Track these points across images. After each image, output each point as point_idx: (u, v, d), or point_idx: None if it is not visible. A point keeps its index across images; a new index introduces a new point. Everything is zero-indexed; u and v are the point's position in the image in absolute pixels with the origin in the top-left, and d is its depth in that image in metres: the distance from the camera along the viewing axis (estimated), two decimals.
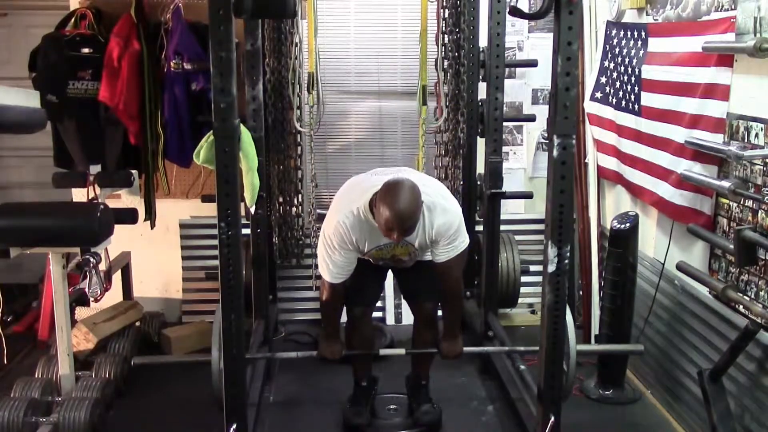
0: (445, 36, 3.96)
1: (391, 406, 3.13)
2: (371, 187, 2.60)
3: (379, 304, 4.01)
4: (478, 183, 3.81)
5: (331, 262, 2.70)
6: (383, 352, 3.02)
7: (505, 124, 3.66)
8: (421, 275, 2.90)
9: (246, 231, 3.12)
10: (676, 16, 3.09)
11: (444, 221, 2.65)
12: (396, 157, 4.29)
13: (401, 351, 2.97)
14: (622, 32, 3.52)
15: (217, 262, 2.33)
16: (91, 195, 3.44)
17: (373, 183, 2.60)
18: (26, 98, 3.14)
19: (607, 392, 3.31)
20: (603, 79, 3.72)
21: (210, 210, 2.66)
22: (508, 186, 3.64)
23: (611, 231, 3.25)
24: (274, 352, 3.61)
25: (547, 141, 2.55)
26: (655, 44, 3.21)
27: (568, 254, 2.36)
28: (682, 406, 3.02)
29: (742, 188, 2.56)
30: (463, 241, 2.73)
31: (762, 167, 2.52)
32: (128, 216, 3.41)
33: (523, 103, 4.28)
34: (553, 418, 2.46)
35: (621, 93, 3.51)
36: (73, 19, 3.68)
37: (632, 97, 3.39)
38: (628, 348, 3.17)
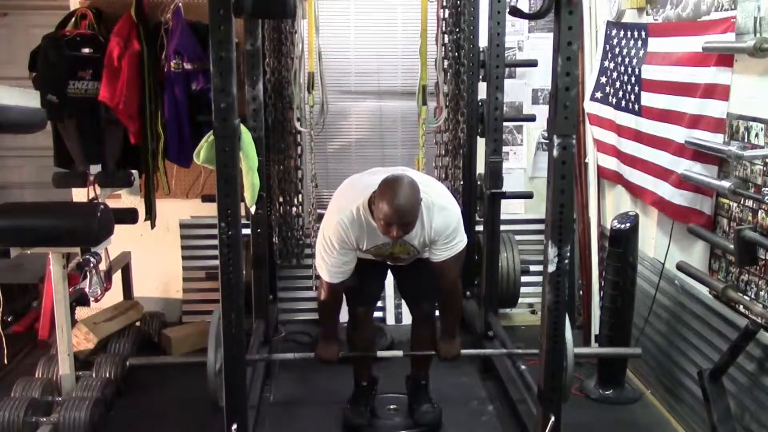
0: (445, 36, 3.95)
1: (391, 406, 3.13)
2: (369, 185, 2.59)
3: (379, 304, 4.02)
4: (478, 183, 3.81)
5: (330, 261, 2.69)
6: (381, 354, 3.00)
7: (505, 124, 3.66)
8: (420, 275, 2.90)
9: (246, 231, 3.12)
10: (676, 16, 3.09)
11: (442, 220, 2.65)
12: (396, 156, 4.28)
13: (399, 353, 2.95)
14: (622, 32, 3.52)
15: (217, 262, 2.33)
16: (91, 195, 3.44)
17: (372, 182, 2.59)
18: (26, 98, 3.14)
19: (607, 392, 3.31)
20: (603, 79, 3.72)
21: (210, 210, 2.66)
22: (508, 186, 3.64)
23: (611, 231, 3.25)
24: (274, 352, 3.61)
25: (547, 141, 2.55)
26: (655, 44, 3.21)
27: (568, 254, 2.37)
28: (682, 406, 3.02)
29: (742, 188, 2.56)
30: (461, 240, 2.72)
31: (762, 167, 2.52)
32: (128, 216, 3.41)
33: (523, 103, 4.28)
34: (553, 418, 2.46)
35: (621, 93, 3.51)
36: (73, 19, 3.68)
37: (632, 97, 3.39)
38: (627, 351, 3.16)
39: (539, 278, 3.65)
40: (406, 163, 3.90)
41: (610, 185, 3.88)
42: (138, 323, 3.83)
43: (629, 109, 3.43)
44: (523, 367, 3.02)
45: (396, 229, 2.45)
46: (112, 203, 3.39)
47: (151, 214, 3.90)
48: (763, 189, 2.50)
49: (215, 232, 2.29)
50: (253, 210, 3.16)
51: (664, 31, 3.16)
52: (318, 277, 2.81)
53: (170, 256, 4.17)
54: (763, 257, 2.51)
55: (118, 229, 3.10)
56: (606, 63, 3.69)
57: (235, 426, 2.44)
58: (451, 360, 2.94)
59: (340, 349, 2.92)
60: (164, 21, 3.62)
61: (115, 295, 3.83)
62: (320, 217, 3.24)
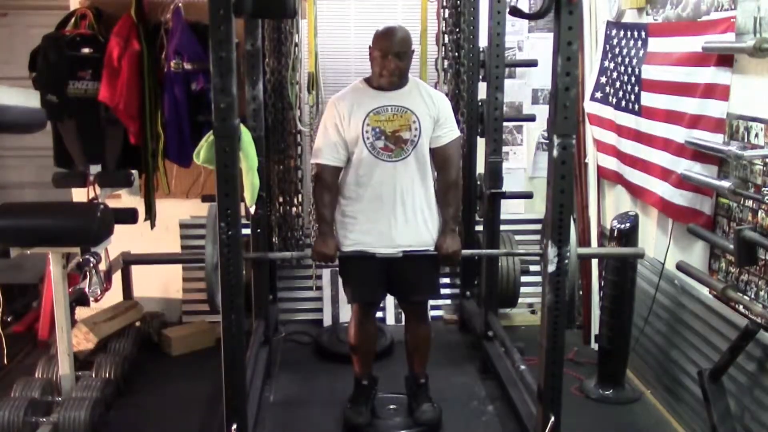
0: (445, 36, 3.96)
1: (391, 406, 3.13)
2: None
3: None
4: (478, 183, 3.81)
5: (323, 140, 2.81)
6: (380, 253, 2.79)
7: (505, 124, 3.66)
8: (413, 271, 2.88)
9: (246, 231, 3.12)
10: (676, 16, 3.10)
11: (438, 94, 2.90)
12: None
13: (398, 252, 2.78)
14: (622, 32, 3.52)
15: None
16: (91, 195, 3.44)
17: None
18: (26, 98, 3.13)
19: (607, 392, 3.31)
20: (603, 79, 3.72)
21: None
22: (508, 186, 3.64)
23: (611, 231, 3.25)
24: (274, 352, 3.61)
25: (547, 141, 2.56)
26: (655, 44, 3.21)
27: (568, 254, 2.37)
28: (682, 406, 3.02)
29: (742, 188, 2.56)
30: (456, 127, 2.89)
31: (762, 167, 2.52)
32: (128, 216, 3.41)
33: (523, 103, 4.28)
34: (553, 418, 2.46)
35: (621, 93, 3.51)
36: (73, 19, 3.68)
37: (632, 97, 3.39)
38: (630, 251, 3.12)
39: (539, 278, 3.65)
40: None
41: (610, 185, 3.88)
42: (138, 323, 3.83)
43: (629, 109, 3.43)
44: (523, 367, 3.02)
45: (391, 47, 2.72)
46: (112, 203, 3.39)
47: (151, 214, 3.90)
48: (763, 189, 2.50)
49: None
50: (252, 210, 3.16)
51: (664, 31, 3.16)
52: (319, 276, 2.79)
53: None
54: (763, 257, 2.52)
55: (118, 229, 3.10)
56: (606, 63, 3.69)
57: (235, 426, 2.44)
58: (452, 257, 2.85)
59: (337, 245, 2.86)
60: (164, 21, 3.62)
61: (115, 295, 3.83)
62: None
